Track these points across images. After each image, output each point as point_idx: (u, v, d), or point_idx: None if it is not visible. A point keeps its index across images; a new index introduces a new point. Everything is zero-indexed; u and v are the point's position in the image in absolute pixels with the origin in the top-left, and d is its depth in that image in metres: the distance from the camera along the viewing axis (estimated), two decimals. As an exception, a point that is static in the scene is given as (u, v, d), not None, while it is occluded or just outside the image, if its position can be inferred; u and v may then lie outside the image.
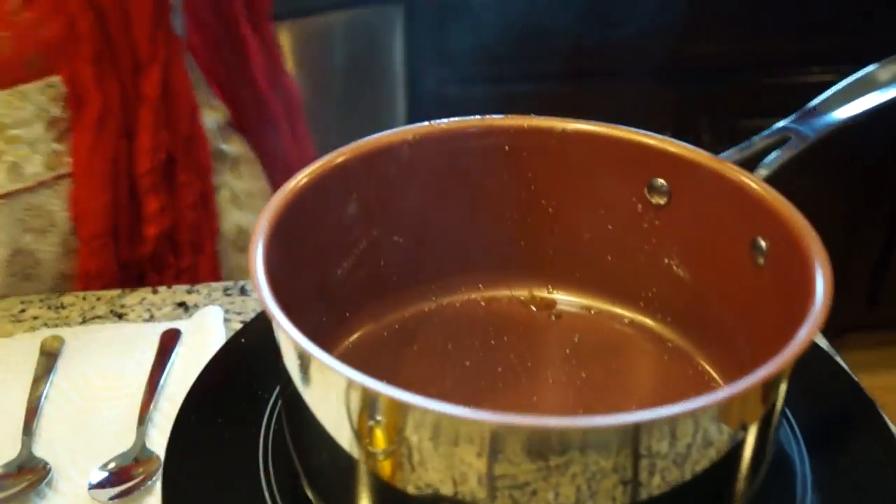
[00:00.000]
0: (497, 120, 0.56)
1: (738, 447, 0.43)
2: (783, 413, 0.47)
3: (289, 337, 0.40)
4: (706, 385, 0.54)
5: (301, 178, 0.50)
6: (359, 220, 0.54)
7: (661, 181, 0.55)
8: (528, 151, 0.56)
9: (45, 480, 0.51)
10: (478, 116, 0.55)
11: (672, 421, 0.39)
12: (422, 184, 0.56)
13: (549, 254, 0.60)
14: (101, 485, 0.50)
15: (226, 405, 0.52)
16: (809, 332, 0.41)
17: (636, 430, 0.39)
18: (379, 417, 0.39)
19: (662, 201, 0.55)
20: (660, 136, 0.54)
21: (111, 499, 0.50)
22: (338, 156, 0.52)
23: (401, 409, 0.39)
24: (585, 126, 0.56)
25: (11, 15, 0.61)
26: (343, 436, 0.41)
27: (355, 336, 0.56)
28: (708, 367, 0.55)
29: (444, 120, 0.55)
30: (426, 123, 0.54)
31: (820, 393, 0.54)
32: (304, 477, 0.46)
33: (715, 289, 0.54)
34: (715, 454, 0.42)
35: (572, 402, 0.52)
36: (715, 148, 0.54)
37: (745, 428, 0.42)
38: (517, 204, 0.58)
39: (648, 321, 0.58)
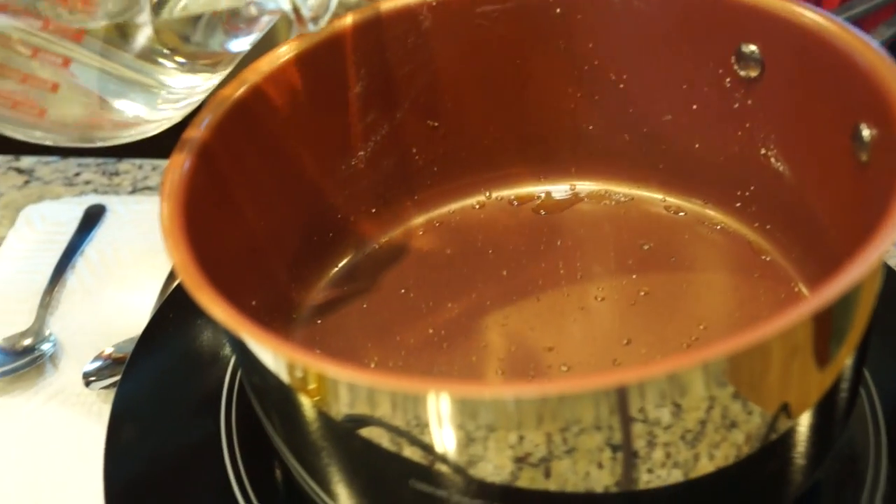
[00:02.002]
0: (542, -26, 0.45)
1: (781, 438, 0.32)
2: (858, 384, 0.35)
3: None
4: (799, 313, 0.42)
5: (281, 52, 0.42)
6: (372, 100, 0.45)
7: (751, 47, 0.42)
8: (586, 14, 0.45)
9: (49, 356, 0.50)
10: (517, -29, 0.44)
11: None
12: (452, 58, 0.46)
13: (626, 139, 0.48)
14: (95, 373, 0.47)
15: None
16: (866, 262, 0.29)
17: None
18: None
19: (754, 73, 0.42)
20: (748, -12, 0.41)
21: (102, 388, 0.47)
22: (335, 25, 0.43)
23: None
24: (656, -23, 0.43)
25: None
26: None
27: (384, 237, 0.49)
28: (806, 292, 0.43)
29: (475, -23, 0.45)
30: (452, -18, 0.44)
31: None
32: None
33: (819, 192, 0.41)
34: (742, 440, 0.31)
35: (618, 330, 0.42)
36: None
37: (787, 410, 0.31)
38: (579, 80, 0.47)
39: (744, 228, 0.46)
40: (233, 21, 0.37)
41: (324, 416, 0.32)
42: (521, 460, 0.30)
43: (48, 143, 0.37)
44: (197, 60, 0.37)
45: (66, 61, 0.35)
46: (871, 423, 0.39)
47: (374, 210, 0.48)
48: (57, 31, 0.34)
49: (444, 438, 0.30)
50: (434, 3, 0.45)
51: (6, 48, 0.34)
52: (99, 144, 0.38)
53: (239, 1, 0.35)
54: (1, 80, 0.35)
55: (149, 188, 0.62)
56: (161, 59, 0.36)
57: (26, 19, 0.34)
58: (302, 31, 0.37)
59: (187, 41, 0.36)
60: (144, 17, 0.35)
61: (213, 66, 0.38)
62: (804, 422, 0.33)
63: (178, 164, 0.36)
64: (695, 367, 0.28)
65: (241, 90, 0.40)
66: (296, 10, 0.36)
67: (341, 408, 0.31)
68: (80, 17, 0.34)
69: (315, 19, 0.37)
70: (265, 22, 0.38)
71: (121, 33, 0.35)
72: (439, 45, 0.46)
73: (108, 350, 0.48)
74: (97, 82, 0.36)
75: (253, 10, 0.36)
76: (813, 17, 0.39)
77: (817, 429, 0.34)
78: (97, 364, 0.48)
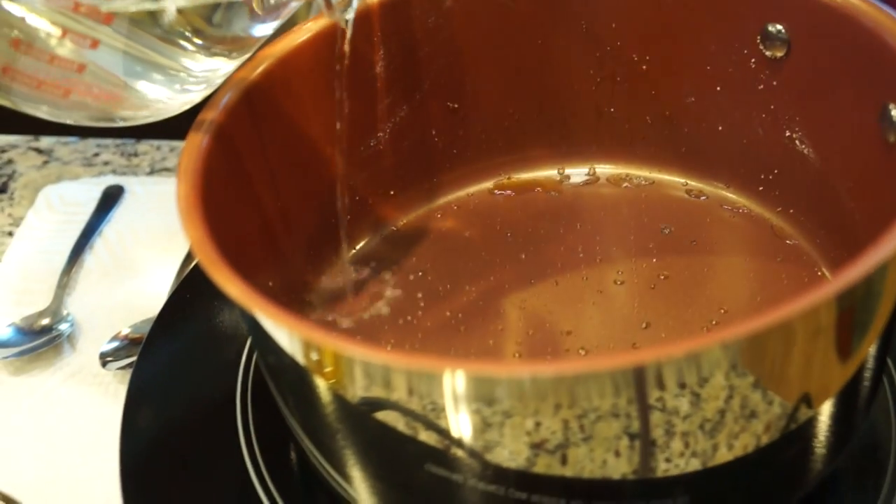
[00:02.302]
0: (564, -47, 0.44)
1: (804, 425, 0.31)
2: (881, 373, 0.35)
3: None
4: (823, 299, 0.41)
5: (299, 33, 0.41)
6: (392, 82, 0.45)
7: (777, 27, 0.41)
8: (608, -8, 0.44)
9: (66, 336, 0.50)
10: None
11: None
12: (473, 39, 0.45)
13: (647, 122, 0.48)
14: (111, 354, 0.47)
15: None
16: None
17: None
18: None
19: (780, 53, 0.42)
20: (774, -35, 0.40)
21: (118, 369, 0.47)
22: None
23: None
24: (680, -44, 0.42)
25: None
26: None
27: (402, 220, 0.48)
28: (830, 277, 0.42)
29: (496, -45, 0.44)
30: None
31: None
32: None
33: (845, 175, 0.41)
34: (762, 430, 0.31)
35: (637, 313, 0.42)
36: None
37: (807, 400, 0.31)
38: (601, 61, 0.46)
39: (766, 212, 0.46)
40: (259, 6, 0.36)
41: (339, 399, 0.32)
42: (537, 447, 0.30)
43: (69, 121, 0.37)
44: (220, 44, 0.37)
45: (95, 43, 0.34)
46: (894, 412, 0.39)
47: (392, 192, 0.48)
48: (88, 13, 0.34)
49: (460, 423, 0.30)
50: (454, -18, 0.44)
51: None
52: (120, 124, 0.38)
53: None
54: (28, 60, 0.35)
55: (167, 169, 0.62)
56: (185, 43, 0.36)
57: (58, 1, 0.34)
58: (330, 18, 0.37)
59: (210, 22, 0.36)
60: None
61: (235, 50, 0.38)
62: (825, 412, 0.32)
63: (195, 144, 0.36)
64: (713, 347, 0.28)
65: (258, 71, 0.40)
66: None
67: (357, 390, 0.31)
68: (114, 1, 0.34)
69: (343, 7, 0.36)
70: (291, 8, 0.37)
71: (149, 15, 0.35)
72: (460, 25, 0.45)
73: (125, 331, 0.48)
74: (122, 64, 0.36)
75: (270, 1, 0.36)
76: (840, -5, 0.38)
77: (838, 419, 0.33)
78: (114, 344, 0.48)
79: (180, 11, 0.35)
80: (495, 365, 0.28)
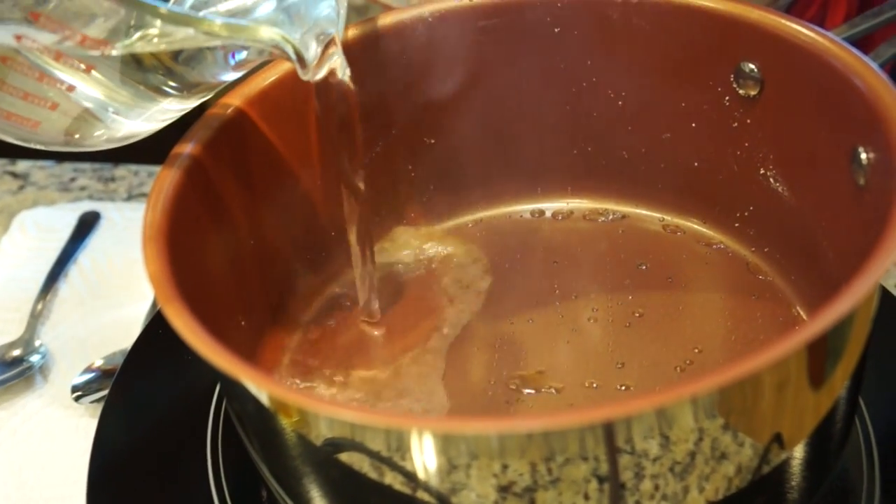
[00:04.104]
0: (539, -11, 0.44)
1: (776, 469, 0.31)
2: (853, 412, 0.35)
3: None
4: (797, 338, 0.41)
5: (272, 71, 0.41)
6: (366, 117, 0.45)
7: (750, 66, 0.41)
8: (582, 30, 0.44)
9: (38, 367, 0.49)
10: (514, -14, 0.44)
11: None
12: (448, 74, 0.45)
13: (623, 157, 0.48)
14: (83, 387, 0.47)
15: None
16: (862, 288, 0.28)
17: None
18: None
19: (753, 92, 0.42)
20: (746, 5, 0.40)
21: (91, 402, 0.47)
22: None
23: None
24: (654, -7, 0.43)
25: None
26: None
27: (378, 254, 0.48)
28: (804, 315, 0.42)
29: (472, -8, 0.44)
30: (448, -2, 0.44)
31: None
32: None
33: (818, 214, 0.41)
34: (733, 472, 0.30)
35: (611, 352, 0.42)
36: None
37: (780, 441, 0.31)
38: (577, 97, 0.46)
39: (742, 248, 0.46)
40: (231, 59, 0.37)
41: (303, 441, 0.31)
42: (504, 490, 0.29)
43: (39, 147, 0.37)
44: (189, 86, 0.37)
45: (71, 87, 0.34)
46: (865, 453, 0.38)
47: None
48: (70, 61, 0.34)
49: (427, 466, 0.29)
50: (430, 20, 0.44)
51: (14, 70, 0.34)
52: (87, 149, 0.38)
53: (206, 41, 0.34)
54: (1, 94, 0.35)
55: (144, 195, 0.62)
56: (158, 85, 0.36)
57: (42, 46, 0.33)
58: (303, 77, 0.37)
59: (176, 60, 0.36)
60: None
61: (203, 91, 0.38)
62: (798, 453, 0.32)
63: (167, 178, 0.36)
64: (683, 401, 0.27)
65: (231, 109, 0.39)
66: (298, 57, 0.36)
67: (321, 431, 0.31)
68: (95, 54, 0.34)
69: (316, 69, 0.37)
70: (261, 60, 0.38)
71: (132, 60, 0.35)
72: (434, 62, 0.45)
73: (98, 362, 0.48)
74: (97, 104, 0.35)
75: (245, 54, 0.36)
76: (813, 36, 0.38)
77: (811, 460, 0.33)
78: (86, 377, 0.47)
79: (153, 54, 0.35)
80: (461, 422, 0.27)
